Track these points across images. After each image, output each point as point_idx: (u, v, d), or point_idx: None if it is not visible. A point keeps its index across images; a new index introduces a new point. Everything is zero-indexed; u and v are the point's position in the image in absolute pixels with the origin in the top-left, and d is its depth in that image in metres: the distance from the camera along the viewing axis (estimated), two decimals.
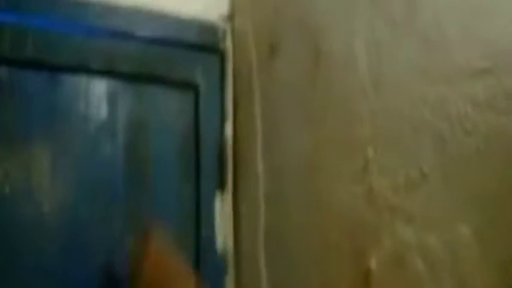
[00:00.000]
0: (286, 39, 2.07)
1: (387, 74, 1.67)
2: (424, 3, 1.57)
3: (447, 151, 1.51)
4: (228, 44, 2.34)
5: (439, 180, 1.54)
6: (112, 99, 2.18)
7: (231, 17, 2.34)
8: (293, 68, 2.04)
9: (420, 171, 1.58)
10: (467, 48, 1.47)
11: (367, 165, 1.72)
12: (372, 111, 1.72)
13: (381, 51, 1.69)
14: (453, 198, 1.50)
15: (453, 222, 1.50)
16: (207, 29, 2.33)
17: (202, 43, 2.32)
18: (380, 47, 1.69)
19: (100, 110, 2.17)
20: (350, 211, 1.80)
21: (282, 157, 2.10)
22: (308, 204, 1.98)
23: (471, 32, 1.47)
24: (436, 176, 1.55)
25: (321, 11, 1.92)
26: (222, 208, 2.30)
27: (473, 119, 1.44)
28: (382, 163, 1.69)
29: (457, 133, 1.48)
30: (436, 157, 1.54)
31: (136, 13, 2.22)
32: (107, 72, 2.18)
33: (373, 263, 1.70)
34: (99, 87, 2.17)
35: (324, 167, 1.90)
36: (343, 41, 1.82)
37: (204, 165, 2.28)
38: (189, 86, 2.29)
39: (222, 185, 2.30)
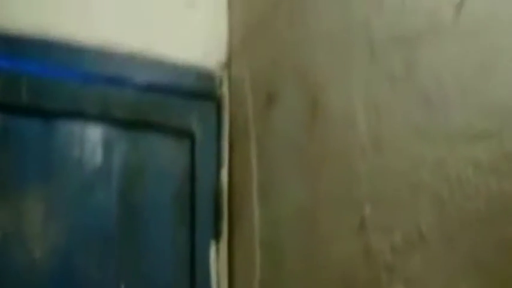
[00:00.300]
0: (283, 89, 2.02)
1: (386, 131, 1.61)
2: (424, 61, 1.51)
3: (446, 213, 1.45)
4: (225, 92, 2.28)
5: (437, 242, 1.48)
6: (107, 146, 2.13)
7: (228, 64, 2.29)
8: (290, 119, 1.98)
9: (418, 231, 1.51)
10: (468, 108, 1.41)
11: (364, 222, 1.66)
12: (369, 168, 1.66)
13: (379, 108, 1.64)
14: (452, 261, 1.44)
15: (452, 286, 1.43)
16: (204, 76, 2.28)
17: (198, 90, 2.27)
18: (378, 103, 1.63)
19: (95, 156, 2.12)
20: (347, 267, 1.73)
21: (278, 206, 2.04)
22: (304, 256, 1.92)
23: (472, 91, 1.41)
24: (435, 238, 1.48)
25: (319, 64, 1.87)
26: (217, 256, 2.23)
27: (474, 182, 1.38)
28: (380, 221, 1.62)
29: (456, 196, 1.42)
30: (435, 218, 1.47)
31: (132, 59, 2.17)
32: (102, 119, 2.13)
33: None
34: (94, 134, 2.12)
35: (321, 220, 1.84)
36: (341, 94, 1.77)
37: (200, 213, 2.22)
38: (185, 133, 2.23)
39: (217, 233, 2.24)
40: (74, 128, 2.10)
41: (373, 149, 1.64)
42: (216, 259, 2.23)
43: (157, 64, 2.21)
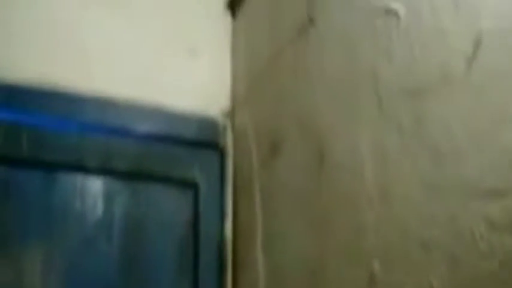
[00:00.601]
0: (288, 138, 1.95)
1: (394, 184, 1.54)
2: (434, 113, 1.44)
3: (459, 272, 1.36)
4: (228, 141, 2.23)
5: None
6: (108, 198, 2.09)
7: (231, 113, 2.24)
8: (295, 169, 1.91)
9: None
10: (481, 162, 1.33)
11: (373, 279, 1.58)
12: (377, 221, 1.58)
13: (387, 159, 1.56)
14: None
15: None
16: (207, 125, 2.23)
17: (201, 139, 2.22)
18: (387, 155, 1.56)
19: (96, 208, 2.07)
20: None
21: (283, 259, 1.96)
22: None
23: (485, 145, 1.33)
24: None
25: (324, 113, 1.81)
26: None
27: (488, 240, 1.30)
28: (389, 279, 1.54)
29: (470, 254, 1.34)
30: (448, 277, 1.39)
31: (133, 109, 2.13)
32: (103, 170, 2.09)
33: None
34: (95, 186, 2.08)
35: (327, 275, 1.76)
36: (347, 145, 1.70)
37: (203, 264, 2.17)
38: (187, 184, 2.18)
39: (221, 284, 2.17)
40: (75, 180, 2.06)
41: (381, 201, 1.57)
42: None
43: (159, 113, 2.16)
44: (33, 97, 2.02)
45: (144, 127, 2.13)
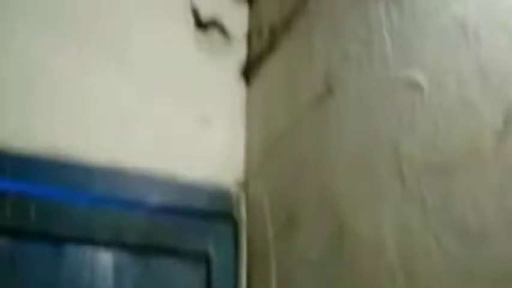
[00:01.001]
0: (305, 212, 1.87)
1: (418, 263, 1.44)
2: (461, 190, 1.35)
3: None
4: (242, 212, 2.15)
5: None
6: (118, 272, 2.00)
7: (245, 183, 2.17)
8: (314, 244, 1.81)
9: None
10: None
11: None
12: None
13: (411, 237, 1.46)
14: None
15: None
16: (220, 195, 2.15)
17: (214, 211, 2.14)
18: (410, 232, 1.46)
19: (106, 283, 1.99)
20: None
21: None
22: None
23: None
24: None
25: (344, 185, 1.72)
26: None
27: None
28: None
29: None
30: None
31: (145, 179, 2.06)
32: (114, 243, 2.02)
33: None
34: (106, 259, 2.00)
35: None
36: (369, 220, 1.60)
37: None
38: (200, 257, 2.09)
39: None
40: (84, 253, 1.98)
41: (405, 280, 1.47)
42: None
43: (171, 184, 2.09)
44: (42, 167, 1.95)
45: (155, 199, 2.05)
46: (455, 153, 1.38)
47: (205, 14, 2.35)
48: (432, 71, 1.48)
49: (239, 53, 2.37)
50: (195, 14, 2.33)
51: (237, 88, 2.31)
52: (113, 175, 2.02)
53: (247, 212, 2.14)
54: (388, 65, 1.62)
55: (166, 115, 2.15)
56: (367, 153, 1.65)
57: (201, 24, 2.33)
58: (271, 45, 2.23)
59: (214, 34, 2.35)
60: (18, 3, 2.05)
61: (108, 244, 1.99)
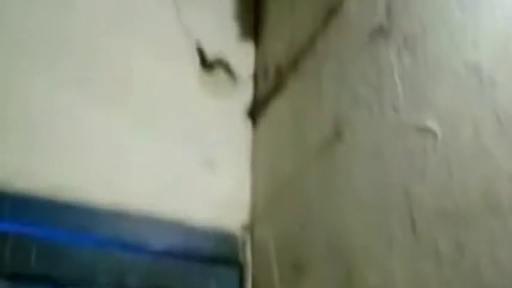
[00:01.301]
0: (312, 258, 1.82)
1: None
2: (477, 240, 1.29)
3: None
4: (248, 256, 2.10)
5: None
6: None
7: (251, 226, 2.12)
8: None
9: None
10: None
11: None
12: None
13: None
14: None
15: None
16: (225, 239, 2.10)
17: (219, 255, 2.09)
18: (423, 284, 1.41)
19: None
20: None
21: None
22: None
23: None
24: None
25: (353, 232, 1.67)
26: None
27: None
28: None
29: None
30: None
31: (149, 222, 2.02)
32: (117, 287, 1.94)
33: None
34: None
35: None
36: (379, 269, 1.55)
37: None
38: None
39: None
40: None
41: None
42: None
43: (175, 227, 2.05)
44: (42, 208, 1.91)
45: (159, 242, 2.00)
46: (469, 200, 1.33)
47: (210, 54, 2.32)
48: (445, 116, 1.44)
49: (245, 93, 2.34)
50: (201, 53, 2.31)
51: (242, 129, 2.28)
52: (116, 217, 1.98)
53: (253, 256, 2.09)
54: (399, 110, 1.58)
55: (170, 157, 2.12)
56: (377, 199, 1.60)
57: (206, 63, 2.30)
58: (278, 86, 2.20)
59: (220, 74, 2.33)
60: (18, 42, 2.02)
61: (111, 287, 1.94)
